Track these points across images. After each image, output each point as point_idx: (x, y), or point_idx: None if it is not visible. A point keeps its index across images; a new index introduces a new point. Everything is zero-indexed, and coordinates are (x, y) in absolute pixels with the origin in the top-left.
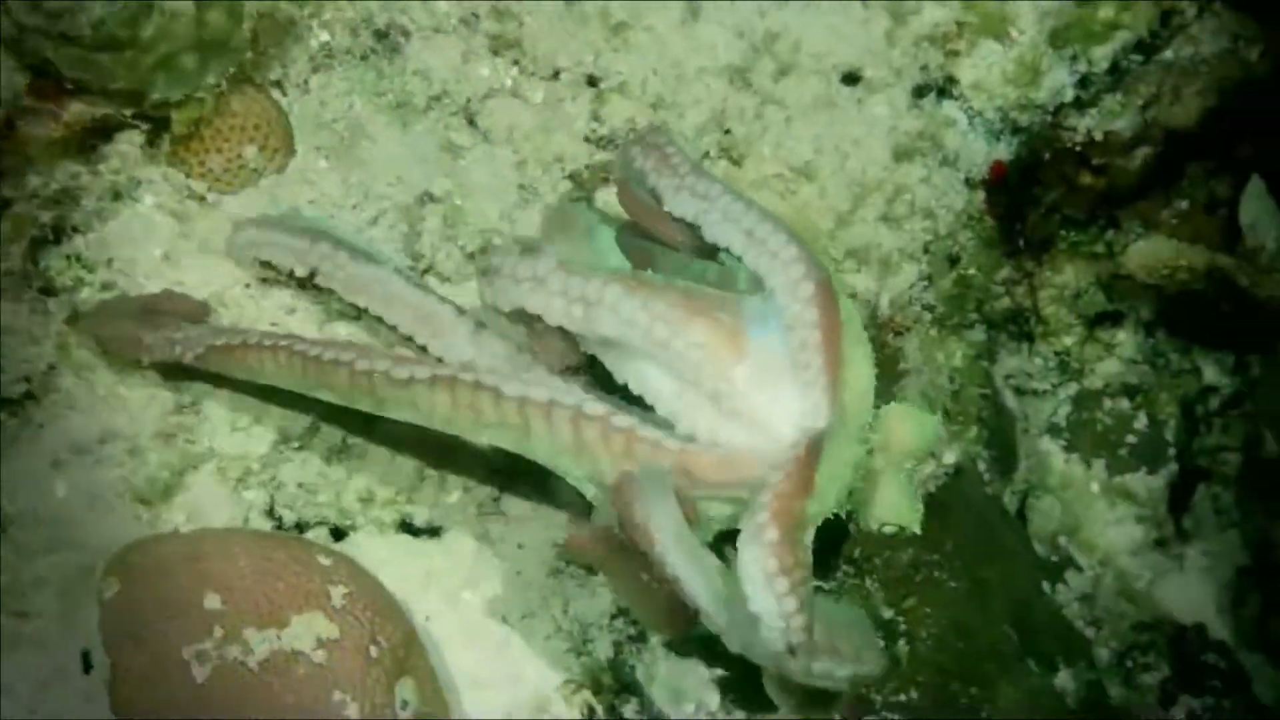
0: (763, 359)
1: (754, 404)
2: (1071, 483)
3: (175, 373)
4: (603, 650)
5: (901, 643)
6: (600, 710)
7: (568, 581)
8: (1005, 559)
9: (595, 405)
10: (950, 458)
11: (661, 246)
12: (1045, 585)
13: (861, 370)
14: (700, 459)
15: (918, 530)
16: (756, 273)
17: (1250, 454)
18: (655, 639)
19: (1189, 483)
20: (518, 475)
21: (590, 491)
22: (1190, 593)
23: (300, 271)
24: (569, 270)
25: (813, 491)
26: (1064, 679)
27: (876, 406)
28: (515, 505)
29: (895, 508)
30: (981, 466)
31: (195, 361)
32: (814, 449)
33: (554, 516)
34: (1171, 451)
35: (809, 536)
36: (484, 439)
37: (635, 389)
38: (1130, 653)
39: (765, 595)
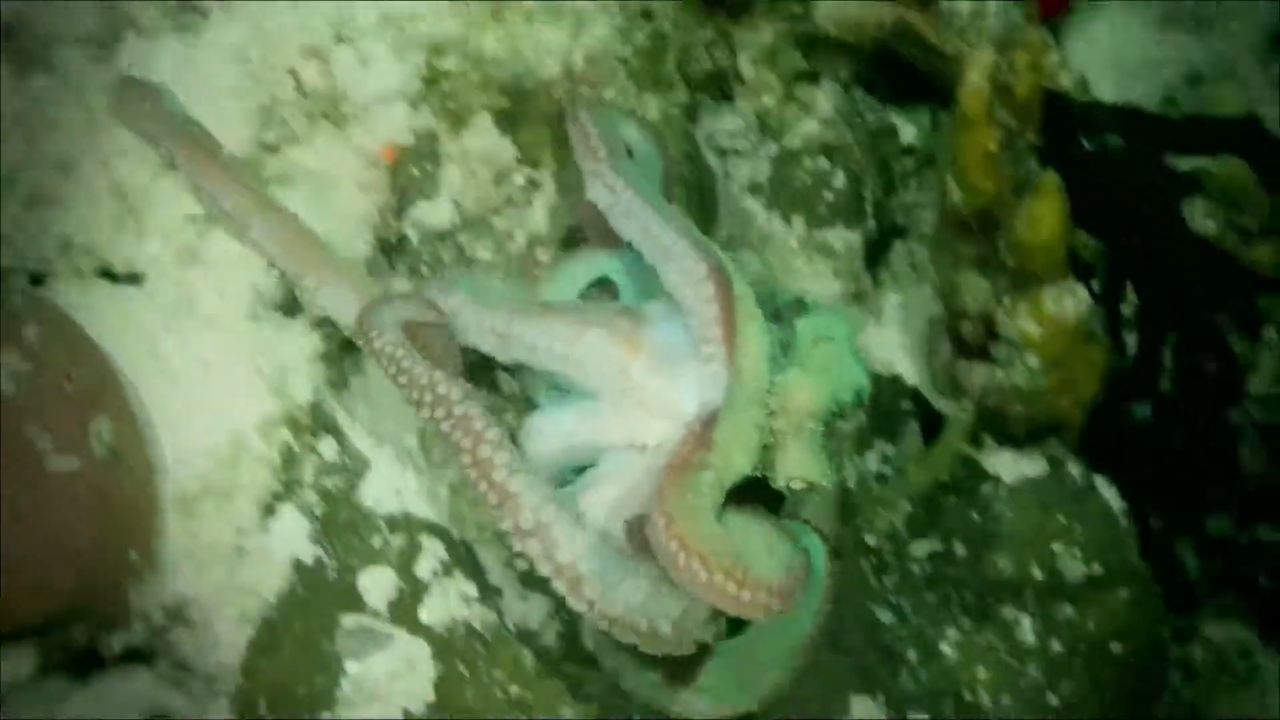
0: (660, 349)
1: (656, 390)
2: (771, 239)
3: None
4: (302, 393)
5: None
6: (298, 449)
7: (266, 325)
8: None
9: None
10: None
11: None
12: None
13: (757, 341)
14: None
15: (827, 485)
16: (654, 269)
17: (939, 205)
18: (356, 383)
19: (885, 238)
20: (216, 222)
21: None
22: (886, 344)
23: None
24: (479, 304)
25: (711, 446)
26: None
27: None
28: (214, 252)
29: (802, 465)
30: None
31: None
32: (713, 413)
33: (254, 261)
34: (868, 208)
35: (705, 480)
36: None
37: (553, 431)
38: None
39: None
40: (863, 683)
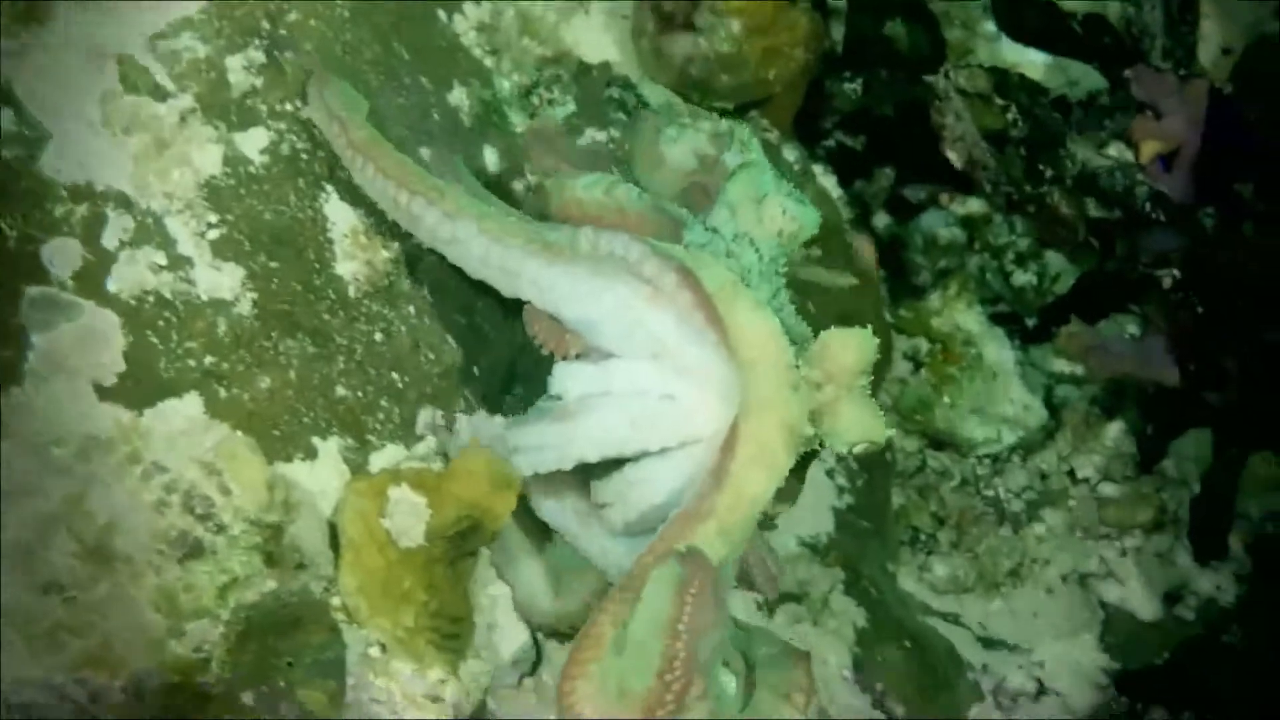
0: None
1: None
2: None
3: None
4: None
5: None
6: None
7: None
8: None
9: None
10: None
11: None
12: (441, 13)
13: (761, 327)
14: None
15: (883, 441)
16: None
17: None
18: (37, 56)
19: None
20: None
21: None
22: (594, 31)
23: None
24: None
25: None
26: (458, 96)
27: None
28: None
29: (862, 427)
30: None
31: None
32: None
33: None
34: None
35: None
36: None
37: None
38: (535, 88)
39: None
40: None
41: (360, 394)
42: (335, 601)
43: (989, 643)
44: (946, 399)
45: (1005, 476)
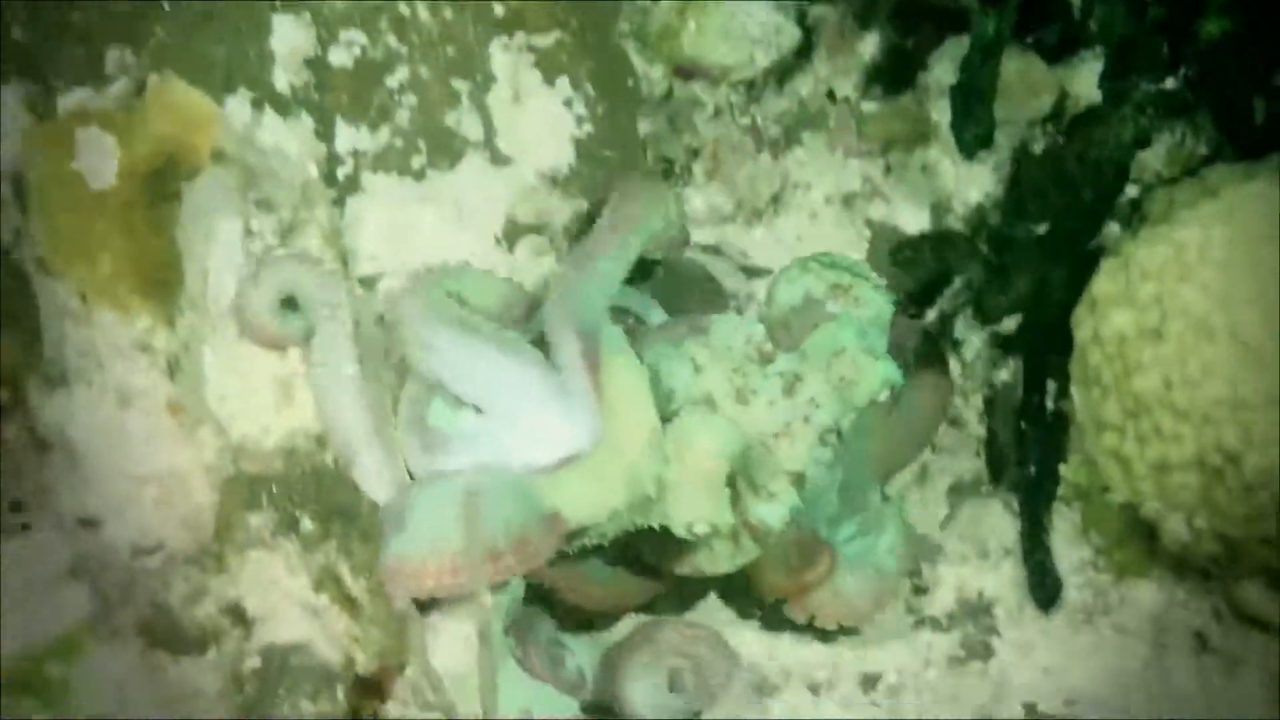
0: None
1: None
2: None
3: None
4: None
5: None
6: None
7: None
8: None
9: None
10: None
11: None
12: None
13: (631, 377)
14: None
15: (724, 527)
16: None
17: None
18: None
19: None
20: None
21: None
22: None
23: None
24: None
25: None
26: None
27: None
28: None
29: (700, 508)
30: None
31: None
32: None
33: None
34: None
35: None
36: None
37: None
38: None
39: None
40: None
41: (40, 35)
42: (25, 253)
43: (752, 271)
44: (692, 24)
45: (761, 103)
